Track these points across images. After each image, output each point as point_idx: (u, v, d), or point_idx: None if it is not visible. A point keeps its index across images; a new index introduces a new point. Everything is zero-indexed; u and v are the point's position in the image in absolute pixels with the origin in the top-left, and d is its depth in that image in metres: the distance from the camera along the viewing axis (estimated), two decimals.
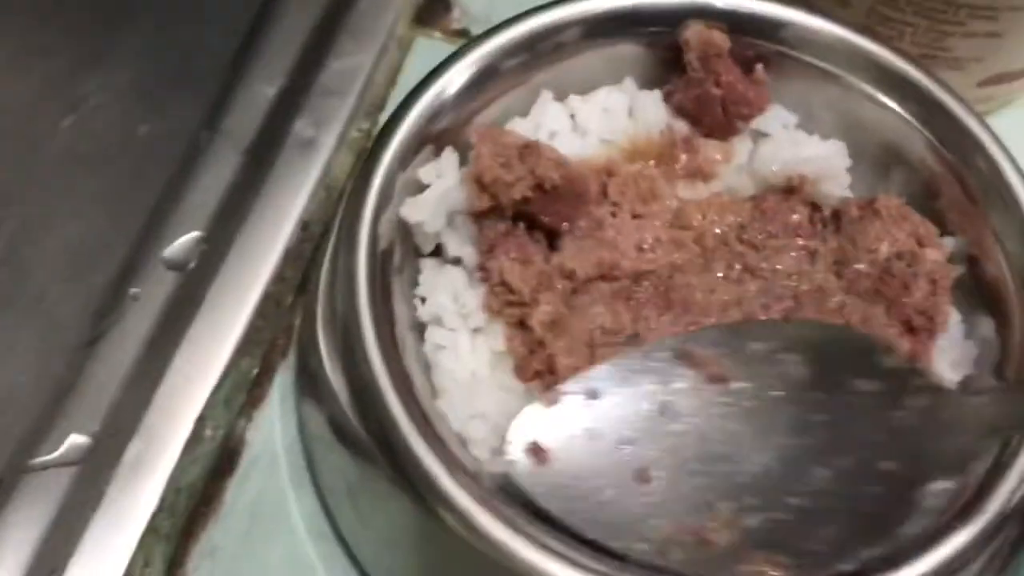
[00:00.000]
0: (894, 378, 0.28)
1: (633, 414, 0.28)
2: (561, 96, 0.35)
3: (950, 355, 0.32)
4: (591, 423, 0.27)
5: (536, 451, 0.27)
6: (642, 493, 0.26)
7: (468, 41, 0.34)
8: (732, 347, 0.28)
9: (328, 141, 0.40)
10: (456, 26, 0.43)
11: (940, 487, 0.26)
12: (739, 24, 0.34)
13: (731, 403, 0.27)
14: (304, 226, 0.38)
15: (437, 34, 0.43)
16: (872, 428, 0.27)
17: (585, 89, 0.35)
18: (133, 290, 0.38)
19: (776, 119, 0.35)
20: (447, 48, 0.34)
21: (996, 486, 0.28)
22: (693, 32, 0.33)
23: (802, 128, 0.35)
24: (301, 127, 0.40)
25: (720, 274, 0.32)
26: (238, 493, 0.34)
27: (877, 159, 0.35)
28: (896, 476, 0.27)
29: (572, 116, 0.35)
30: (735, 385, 0.28)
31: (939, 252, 0.32)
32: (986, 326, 0.32)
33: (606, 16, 0.35)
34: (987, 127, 0.33)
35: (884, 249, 0.32)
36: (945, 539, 0.27)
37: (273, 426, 0.35)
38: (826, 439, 0.27)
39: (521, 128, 0.34)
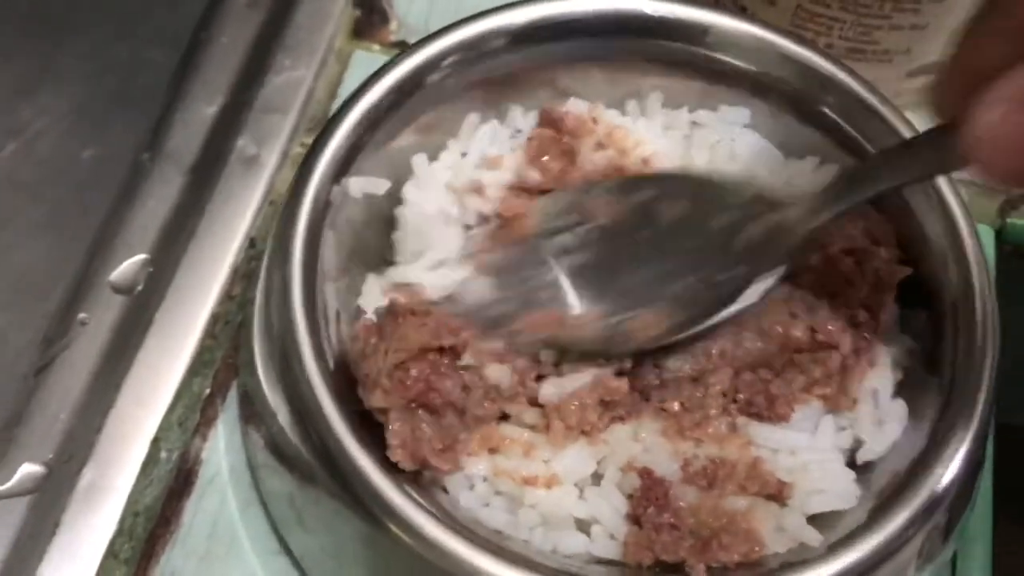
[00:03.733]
0: (744, 208, 0.31)
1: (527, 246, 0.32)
2: (495, 102, 0.35)
3: (888, 346, 0.32)
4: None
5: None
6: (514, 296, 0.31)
7: (404, 49, 0.34)
8: (618, 197, 0.32)
9: (271, 157, 0.40)
10: (393, 38, 0.43)
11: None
12: (668, 31, 0.35)
13: (610, 239, 0.32)
14: (251, 243, 0.39)
15: (375, 46, 0.43)
16: (727, 247, 0.31)
17: (518, 98, 0.35)
18: (81, 315, 0.37)
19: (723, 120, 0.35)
20: (385, 60, 0.34)
21: (925, 472, 0.28)
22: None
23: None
24: (243, 144, 0.40)
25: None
26: (196, 513, 0.34)
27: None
28: (740, 277, 0.31)
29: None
30: (621, 224, 0.32)
31: (891, 252, 0.33)
32: (920, 320, 0.33)
33: (539, 24, 0.35)
34: (910, 123, 0.33)
35: (835, 245, 0.32)
36: (878, 525, 0.28)
37: (227, 444, 0.35)
38: (686, 261, 0.31)
39: (452, 149, 0.34)
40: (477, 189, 0.34)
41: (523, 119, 0.35)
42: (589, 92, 0.36)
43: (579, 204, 0.33)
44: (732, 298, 0.31)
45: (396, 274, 0.32)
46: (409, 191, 0.34)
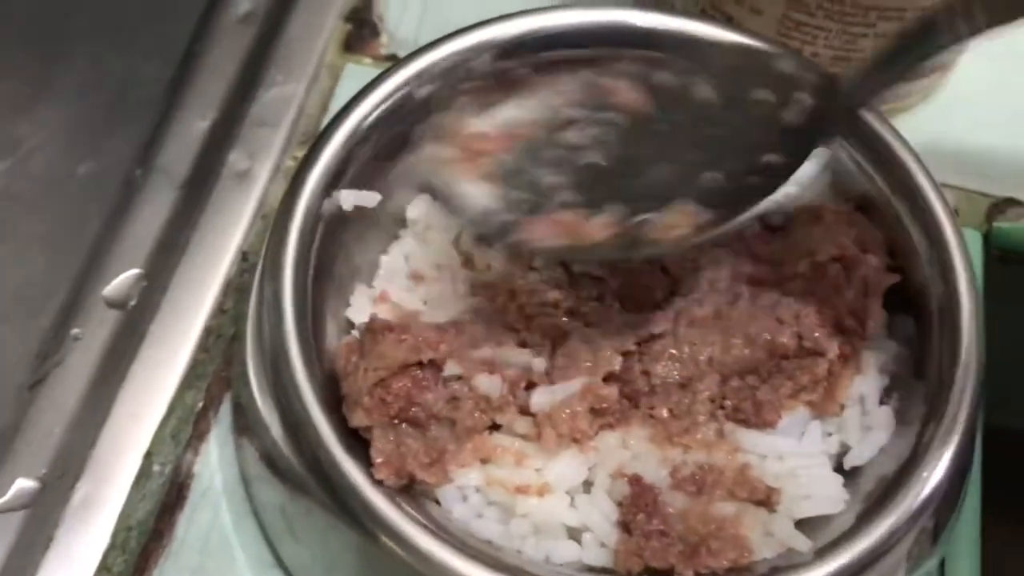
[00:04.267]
0: (784, 82, 0.29)
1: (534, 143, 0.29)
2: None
3: (875, 352, 0.33)
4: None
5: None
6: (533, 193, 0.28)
7: (394, 63, 0.35)
8: (642, 77, 0.30)
9: (263, 171, 0.41)
10: (384, 51, 0.43)
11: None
12: (656, 42, 0.35)
13: (629, 129, 0.29)
14: (243, 257, 0.39)
15: (366, 60, 0.43)
16: (763, 131, 0.29)
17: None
18: (75, 330, 0.38)
19: None
20: (376, 74, 0.35)
21: (911, 476, 0.29)
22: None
23: None
24: (236, 159, 0.41)
25: None
26: (188, 526, 0.34)
27: None
28: (777, 166, 0.28)
29: None
30: (642, 111, 0.29)
31: (879, 259, 0.33)
32: (908, 326, 0.33)
33: (527, 37, 0.35)
34: (898, 135, 0.34)
35: (824, 252, 0.33)
36: (865, 530, 0.28)
37: (220, 457, 0.35)
38: (715, 152, 0.29)
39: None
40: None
41: None
42: None
43: (593, 86, 0.30)
44: (768, 191, 0.28)
45: (381, 284, 0.33)
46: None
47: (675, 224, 0.28)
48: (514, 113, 0.30)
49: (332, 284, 0.33)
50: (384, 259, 0.34)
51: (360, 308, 0.33)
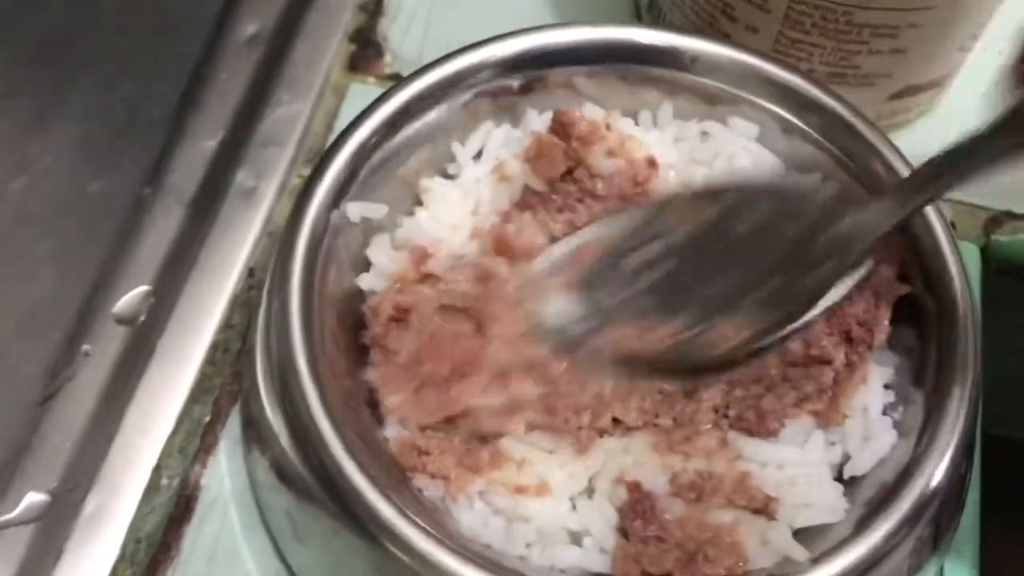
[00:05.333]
0: (823, 209, 0.31)
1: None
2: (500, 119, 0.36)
3: (878, 363, 0.33)
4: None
5: None
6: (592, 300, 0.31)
7: (397, 82, 0.35)
8: (694, 209, 0.32)
9: (270, 189, 0.41)
10: (388, 71, 0.44)
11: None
12: (657, 57, 0.36)
13: (688, 251, 0.32)
14: (250, 273, 0.39)
15: (370, 79, 0.44)
16: (803, 252, 0.31)
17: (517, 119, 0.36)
18: (85, 346, 0.38)
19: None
20: (380, 92, 0.35)
21: (908, 485, 0.29)
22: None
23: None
24: (243, 177, 0.41)
25: None
26: (196, 538, 0.34)
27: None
28: (822, 278, 0.31)
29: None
30: (694, 238, 0.32)
31: (890, 269, 0.33)
32: (908, 337, 0.33)
33: (530, 54, 0.36)
34: (894, 147, 0.34)
35: None
36: (861, 538, 0.28)
37: (227, 470, 0.35)
38: (766, 269, 0.31)
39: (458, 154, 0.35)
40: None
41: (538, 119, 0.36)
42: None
43: (655, 218, 0.33)
44: (813, 301, 0.30)
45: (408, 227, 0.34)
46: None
47: (729, 335, 0.30)
48: (584, 238, 0.33)
49: (337, 297, 0.33)
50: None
51: (379, 250, 0.34)
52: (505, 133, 0.36)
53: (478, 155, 0.36)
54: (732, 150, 0.35)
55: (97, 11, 0.48)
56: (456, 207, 0.35)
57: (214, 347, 0.38)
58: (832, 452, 0.32)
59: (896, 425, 0.32)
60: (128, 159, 0.44)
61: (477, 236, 0.34)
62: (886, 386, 0.33)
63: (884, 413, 0.32)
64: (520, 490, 0.30)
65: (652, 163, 0.35)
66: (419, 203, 0.35)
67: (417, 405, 0.31)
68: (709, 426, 0.31)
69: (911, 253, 0.33)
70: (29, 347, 0.40)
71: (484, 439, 0.31)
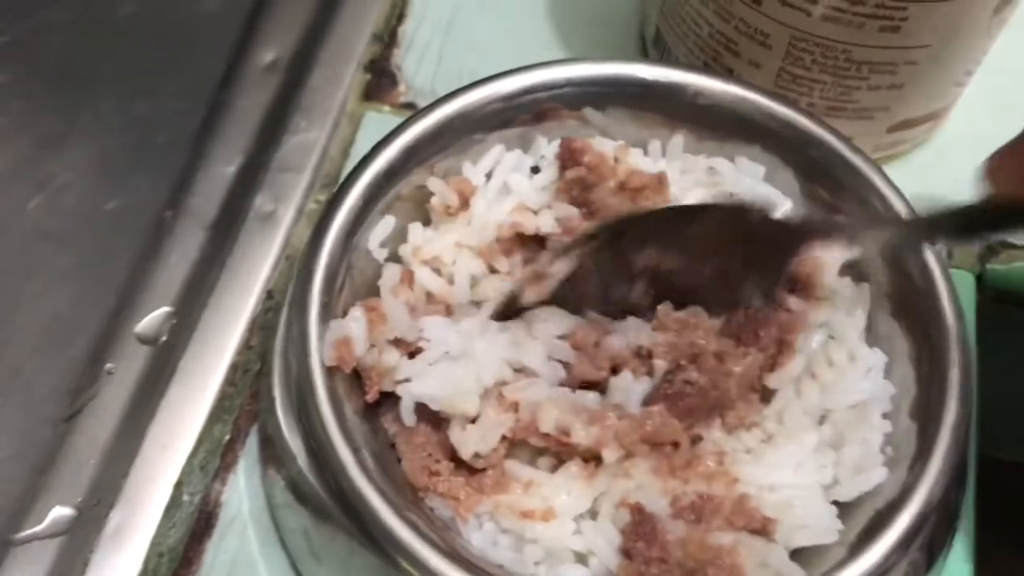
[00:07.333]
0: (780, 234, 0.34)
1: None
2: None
3: (873, 392, 0.34)
4: None
5: None
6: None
7: (413, 114, 0.37)
8: (670, 233, 0.34)
9: (287, 214, 0.42)
10: (403, 100, 0.45)
11: None
12: (660, 92, 0.37)
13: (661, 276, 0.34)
14: (268, 295, 0.41)
15: (385, 108, 0.45)
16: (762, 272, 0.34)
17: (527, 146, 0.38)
18: (108, 366, 0.40)
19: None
20: (395, 121, 0.36)
21: (901, 508, 0.30)
22: None
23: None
24: (261, 202, 0.43)
25: None
26: (216, 554, 0.35)
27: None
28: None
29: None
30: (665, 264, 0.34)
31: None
32: (904, 366, 0.34)
33: (539, 88, 0.37)
34: (886, 177, 0.35)
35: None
36: (856, 560, 0.29)
37: (245, 488, 0.37)
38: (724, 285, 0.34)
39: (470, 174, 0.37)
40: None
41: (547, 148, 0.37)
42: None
43: (630, 260, 0.35)
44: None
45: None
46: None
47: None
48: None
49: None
50: None
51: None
52: (516, 158, 0.37)
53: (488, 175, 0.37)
54: (740, 188, 0.36)
55: (118, 35, 0.49)
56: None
57: (233, 368, 0.39)
58: (823, 473, 0.33)
59: (889, 457, 0.33)
60: (147, 177, 0.45)
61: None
62: (884, 416, 0.34)
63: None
64: (526, 515, 0.31)
65: (662, 180, 0.36)
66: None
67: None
68: (710, 447, 0.32)
69: (905, 285, 0.34)
70: (52, 366, 0.41)
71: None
